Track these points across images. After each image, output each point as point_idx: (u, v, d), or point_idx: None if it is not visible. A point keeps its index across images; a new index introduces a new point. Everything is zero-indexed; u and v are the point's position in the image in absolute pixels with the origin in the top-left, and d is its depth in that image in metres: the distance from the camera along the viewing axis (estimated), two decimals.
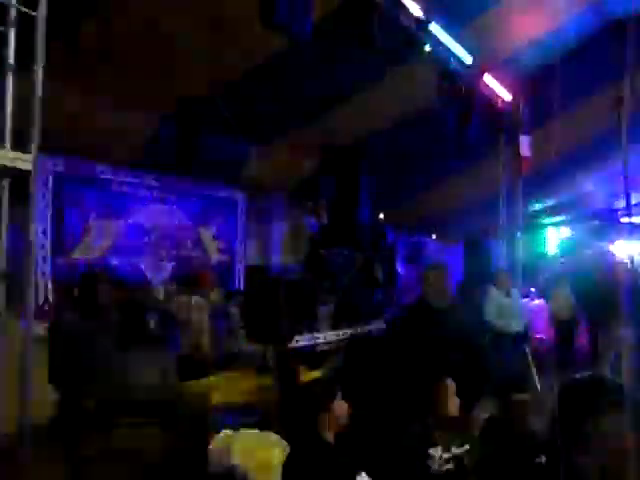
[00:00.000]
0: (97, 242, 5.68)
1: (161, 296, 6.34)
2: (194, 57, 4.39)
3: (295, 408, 2.39)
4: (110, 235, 5.81)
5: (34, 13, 2.22)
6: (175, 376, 5.12)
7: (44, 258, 5.14)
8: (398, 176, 7.54)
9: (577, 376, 1.17)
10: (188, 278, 5.65)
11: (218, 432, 3.63)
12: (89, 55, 4.18)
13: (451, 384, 2.75)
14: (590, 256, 10.30)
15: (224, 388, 4.24)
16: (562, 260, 11.24)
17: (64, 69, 4.06)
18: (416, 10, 4.40)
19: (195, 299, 5.24)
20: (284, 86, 5.01)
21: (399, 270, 10.30)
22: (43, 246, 5.11)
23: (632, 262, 7.51)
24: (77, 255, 5.46)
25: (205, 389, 4.20)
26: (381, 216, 8.89)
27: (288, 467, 2.43)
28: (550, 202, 9.97)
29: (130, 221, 6.02)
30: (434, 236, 11.47)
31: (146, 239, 6.22)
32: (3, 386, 2.33)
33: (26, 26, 2.21)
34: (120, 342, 3.78)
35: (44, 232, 5.13)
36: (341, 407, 2.40)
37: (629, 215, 6.97)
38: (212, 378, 4.73)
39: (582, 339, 8.11)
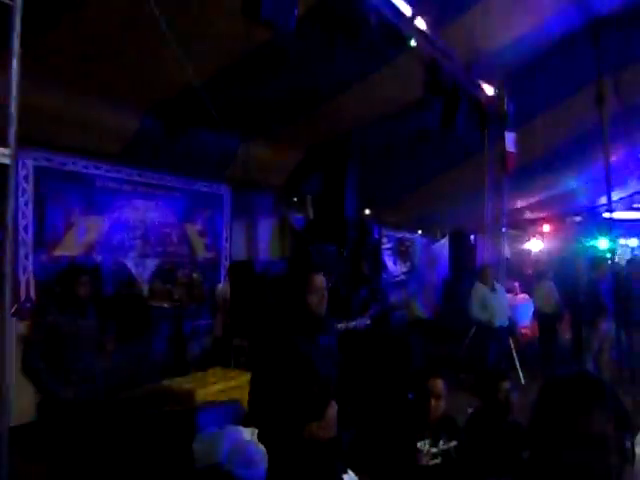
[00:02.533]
0: (80, 238, 5.59)
1: (145, 292, 6.30)
2: (178, 51, 4.34)
3: (287, 412, 2.28)
4: (94, 231, 5.72)
5: (10, 3, 2.17)
6: (157, 373, 5.09)
7: (26, 255, 5.05)
8: (384, 172, 7.56)
9: (561, 373, 1.18)
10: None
11: (203, 429, 3.62)
12: (71, 49, 4.11)
13: (441, 381, 2.77)
14: (573, 251, 10.45)
15: (209, 385, 4.23)
16: (546, 255, 11.40)
17: (47, 63, 3.99)
18: (402, 5, 4.40)
19: None
20: (270, 81, 4.98)
21: (388, 266, 10.37)
22: (24, 243, 5.02)
23: (614, 257, 7.63)
24: (60, 252, 5.37)
25: (190, 386, 4.18)
26: (367, 212, 8.91)
27: (274, 466, 2.40)
28: (534, 199, 10.08)
29: (114, 217, 5.94)
30: (420, 232, 11.54)
31: (131, 235, 6.14)
32: None
33: (2, 16, 2.16)
34: (99, 338, 3.73)
35: (25, 228, 5.05)
36: (334, 412, 2.32)
37: (610, 211, 7.07)
38: (197, 375, 4.72)
39: (565, 333, 8.23)
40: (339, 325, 5.22)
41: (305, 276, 2.56)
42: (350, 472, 2.68)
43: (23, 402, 3.52)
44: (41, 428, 3.44)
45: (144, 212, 6.28)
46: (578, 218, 11.65)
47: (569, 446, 1.02)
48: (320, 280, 2.56)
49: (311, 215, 7.86)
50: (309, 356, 2.40)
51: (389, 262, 10.51)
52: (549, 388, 1.12)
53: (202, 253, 7.02)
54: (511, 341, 7.09)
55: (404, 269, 11.02)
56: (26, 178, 5.04)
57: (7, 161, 2.09)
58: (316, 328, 2.51)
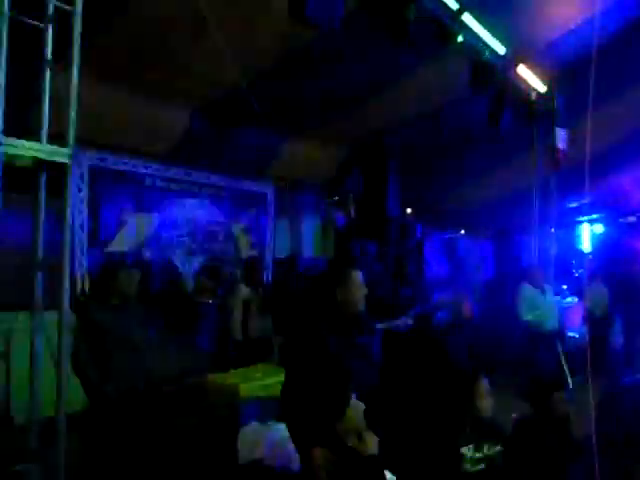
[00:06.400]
0: (131, 236, 5.80)
1: (190, 288, 6.45)
2: (224, 52, 4.41)
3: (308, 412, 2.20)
4: (143, 229, 5.92)
5: (70, 8, 2.26)
6: (203, 367, 5.18)
7: (81, 251, 5.28)
8: (427, 170, 7.45)
9: (625, 381, 1.13)
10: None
11: (246, 424, 3.67)
12: (122, 50, 4.25)
13: (485, 384, 2.69)
14: (625, 253, 9.99)
15: (252, 381, 4.28)
16: (597, 257, 10.95)
17: (97, 65, 4.14)
18: (449, 0, 4.32)
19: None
20: (314, 80, 4.99)
21: (431, 265, 10.21)
22: (80, 240, 5.25)
23: None
24: (112, 249, 5.58)
25: (234, 381, 4.25)
26: (408, 211, 8.81)
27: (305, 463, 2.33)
28: (586, 199, 9.67)
29: (163, 215, 6.13)
30: (462, 231, 11.30)
31: (178, 233, 6.31)
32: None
33: (62, 22, 2.25)
34: (145, 333, 3.74)
35: (81, 226, 5.27)
36: (356, 411, 2.20)
37: None
38: (241, 371, 4.79)
39: (617, 338, 7.88)
40: (380, 325, 5.18)
41: (342, 272, 2.50)
42: (387, 472, 2.64)
43: (76, 391, 3.64)
44: (91, 418, 3.51)
45: (192, 210, 6.44)
46: (632, 218, 11.11)
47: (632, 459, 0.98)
48: (358, 277, 2.48)
49: (353, 214, 7.84)
50: (339, 354, 2.32)
51: (432, 262, 10.34)
52: (613, 398, 1.08)
53: (247, 251, 7.13)
54: (560, 345, 6.85)
55: (448, 269, 10.83)
56: (82, 177, 5.25)
57: (67, 160, 2.19)
58: (353, 326, 2.45)
